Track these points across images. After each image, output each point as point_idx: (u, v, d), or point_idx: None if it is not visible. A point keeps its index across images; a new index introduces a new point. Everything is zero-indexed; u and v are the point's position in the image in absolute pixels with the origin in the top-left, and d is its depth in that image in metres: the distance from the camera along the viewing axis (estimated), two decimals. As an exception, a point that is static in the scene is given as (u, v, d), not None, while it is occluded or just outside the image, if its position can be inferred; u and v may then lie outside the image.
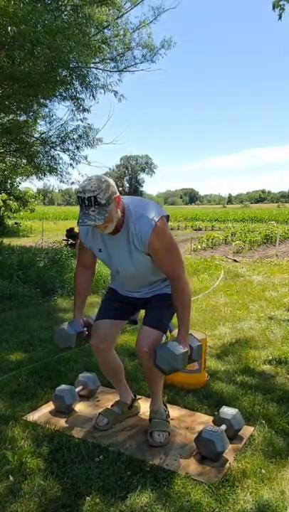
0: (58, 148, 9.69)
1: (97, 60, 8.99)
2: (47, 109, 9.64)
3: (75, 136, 9.49)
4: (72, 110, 8.91)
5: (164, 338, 2.26)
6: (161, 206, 2.18)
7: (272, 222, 25.14)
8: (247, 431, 2.34)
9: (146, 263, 2.12)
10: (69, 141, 9.51)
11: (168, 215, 2.13)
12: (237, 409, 2.34)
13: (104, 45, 9.01)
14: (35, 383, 2.91)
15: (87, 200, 1.87)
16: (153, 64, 9.86)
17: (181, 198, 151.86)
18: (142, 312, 2.39)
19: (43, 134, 10.10)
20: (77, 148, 9.51)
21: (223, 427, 2.20)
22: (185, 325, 2.14)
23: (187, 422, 2.45)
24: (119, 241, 2.08)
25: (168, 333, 2.33)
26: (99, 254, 2.23)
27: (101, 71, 9.25)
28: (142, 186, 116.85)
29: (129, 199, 2.10)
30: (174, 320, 2.21)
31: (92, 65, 8.40)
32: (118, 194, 1.97)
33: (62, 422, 2.42)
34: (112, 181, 1.95)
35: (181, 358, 2.04)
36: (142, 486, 1.86)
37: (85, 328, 2.41)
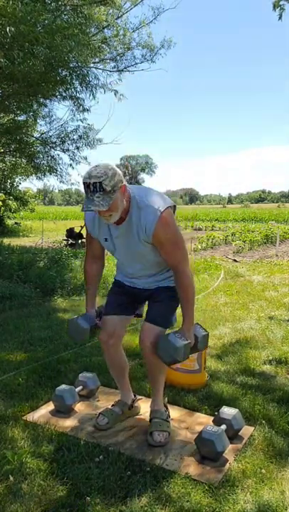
0: (58, 148, 9.71)
1: (97, 59, 8.99)
2: (47, 109, 9.66)
3: (75, 137, 9.51)
4: (72, 110, 8.94)
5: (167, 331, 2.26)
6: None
7: (273, 222, 25.14)
8: (247, 431, 2.34)
9: (149, 253, 2.12)
10: (69, 142, 9.52)
11: (174, 205, 2.12)
12: (237, 409, 2.34)
13: (104, 45, 9.02)
14: (35, 383, 2.91)
15: (92, 186, 1.86)
16: (153, 64, 9.87)
17: (181, 198, 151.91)
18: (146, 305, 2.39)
19: (43, 134, 10.11)
20: (77, 148, 9.54)
21: (223, 427, 2.19)
22: (189, 316, 2.17)
23: (187, 422, 2.45)
24: (124, 231, 2.08)
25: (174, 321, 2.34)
26: (105, 244, 2.23)
27: (101, 71, 9.26)
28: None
29: (136, 189, 2.08)
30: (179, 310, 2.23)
31: (92, 65, 8.41)
32: (124, 183, 1.96)
33: (62, 422, 2.41)
34: (119, 170, 1.94)
35: (182, 350, 2.05)
36: (142, 486, 1.86)
37: (98, 319, 2.40)
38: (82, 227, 13.15)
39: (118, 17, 9.13)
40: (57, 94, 7.92)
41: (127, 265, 2.28)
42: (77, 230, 12.89)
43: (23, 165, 11.98)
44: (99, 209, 1.86)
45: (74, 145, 9.56)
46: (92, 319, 2.37)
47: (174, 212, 2.11)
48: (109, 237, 2.17)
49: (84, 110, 8.61)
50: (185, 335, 2.12)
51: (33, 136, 10.16)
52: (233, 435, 2.25)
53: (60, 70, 6.70)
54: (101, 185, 1.85)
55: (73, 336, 2.38)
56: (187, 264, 2.13)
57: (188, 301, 2.16)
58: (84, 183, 1.90)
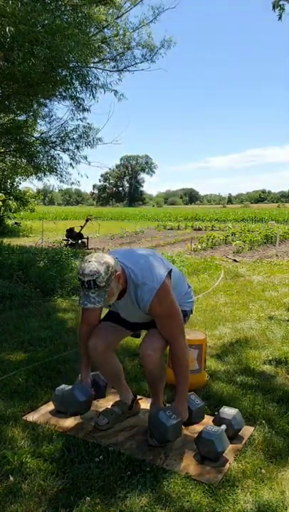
0: (58, 148, 9.70)
1: (96, 59, 8.99)
2: (47, 109, 9.66)
3: (75, 136, 9.50)
4: (72, 110, 8.94)
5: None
6: (164, 263, 2.20)
7: (273, 222, 25.12)
8: (247, 431, 2.34)
9: (148, 320, 2.21)
10: (69, 141, 9.51)
11: (170, 270, 2.17)
12: (237, 409, 2.34)
13: (104, 45, 9.02)
14: (35, 383, 2.91)
15: (87, 284, 1.93)
16: (153, 64, 9.87)
17: (181, 198, 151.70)
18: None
19: (43, 133, 10.11)
20: (77, 148, 9.52)
21: (223, 427, 2.19)
22: (182, 390, 2.18)
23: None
24: (125, 303, 2.16)
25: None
26: (108, 308, 2.33)
27: (101, 71, 9.27)
28: (142, 186, 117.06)
29: (131, 264, 2.11)
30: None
31: (91, 65, 8.41)
32: (119, 271, 2.01)
33: (62, 422, 2.41)
34: (111, 261, 1.99)
35: (172, 430, 2.05)
36: (142, 486, 1.86)
37: (92, 389, 2.41)
38: (82, 227, 13.15)
39: (118, 17, 9.13)
40: (57, 94, 7.93)
41: (130, 321, 2.33)
42: (77, 230, 12.88)
43: (23, 165, 11.97)
44: (95, 306, 1.96)
45: (74, 144, 9.55)
46: (87, 390, 2.35)
47: (170, 276, 2.16)
48: (112, 305, 2.24)
49: (84, 110, 8.62)
50: (177, 411, 2.12)
51: (33, 136, 10.15)
52: (233, 435, 2.25)
53: (60, 70, 6.71)
54: (95, 283, 1.92)
55: (68, 407, 2.35)
56: (182, 336, 2.17)
57: (181, 373, 2.18)
58: (78, 279, 1.97)
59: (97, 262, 1.95)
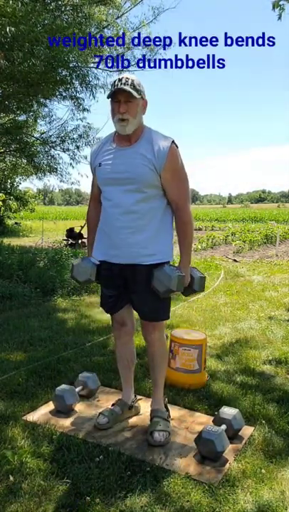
0: (58, 148, 9.73)
1: (97, 59, 8.99)
2: (47, 109, 9.69)
3: (75, 136, 9.53)
4: (72, 110, 8.96)
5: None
6: None
7: (273, 222, 25.13)
8: (247, 431, 2.34)
9: (145, 181, 2.06)
10: (69, 141, 9.54)
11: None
12: (237, 409, 2.34)
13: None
14: (35, 383, 2.91)
15: (125, 79, 2.01)
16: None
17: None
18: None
19: (43, 133, 10.13)
20: (77, 147, 9.55)
21: (223, 427, 2.19)
22: (186, 254, 2.23)
23: (187, 422, 2.45)
24: (130, 152, 2.10)
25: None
26: (98, 171, 2.19)
27: (101, 71, 9.27)
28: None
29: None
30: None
31: (91, 65, 8.42)
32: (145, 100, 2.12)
33: (62, 422, 2.41)
34: None
35: (176, 280, 2.09)
36: (142, 486, 1.86)
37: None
38: (82, 227, 13.14)
39: (118, 17, 9.15)
40: (57, 94, 7.93)
41: (114, 201, 2.15)
42: (77, 230, 12.87)
43: (23, 165, 12.00)
44: (129, 89, 1.98)
45: (74, 144, 9.57)
46: (95, 260, 2.36)
47: None
48: (106, 160, 2.15)
49: (84, 110, 8.64)
50: (181, 270, 2.16)
51: (33, 136, 10.17)
52: (233, 435, 2.25)
53: (60, 70, 6.71)
54: (133, 82, 2.01)
55: (78, 276, 2.37)
56: (189, 201, 2.20)
57: (186, 238, 2.21)
58: (113, 83, 2.04)
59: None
